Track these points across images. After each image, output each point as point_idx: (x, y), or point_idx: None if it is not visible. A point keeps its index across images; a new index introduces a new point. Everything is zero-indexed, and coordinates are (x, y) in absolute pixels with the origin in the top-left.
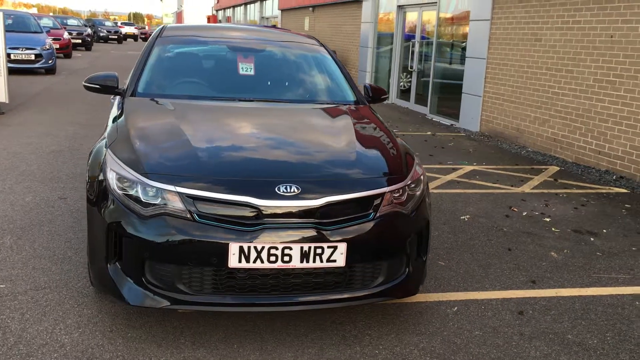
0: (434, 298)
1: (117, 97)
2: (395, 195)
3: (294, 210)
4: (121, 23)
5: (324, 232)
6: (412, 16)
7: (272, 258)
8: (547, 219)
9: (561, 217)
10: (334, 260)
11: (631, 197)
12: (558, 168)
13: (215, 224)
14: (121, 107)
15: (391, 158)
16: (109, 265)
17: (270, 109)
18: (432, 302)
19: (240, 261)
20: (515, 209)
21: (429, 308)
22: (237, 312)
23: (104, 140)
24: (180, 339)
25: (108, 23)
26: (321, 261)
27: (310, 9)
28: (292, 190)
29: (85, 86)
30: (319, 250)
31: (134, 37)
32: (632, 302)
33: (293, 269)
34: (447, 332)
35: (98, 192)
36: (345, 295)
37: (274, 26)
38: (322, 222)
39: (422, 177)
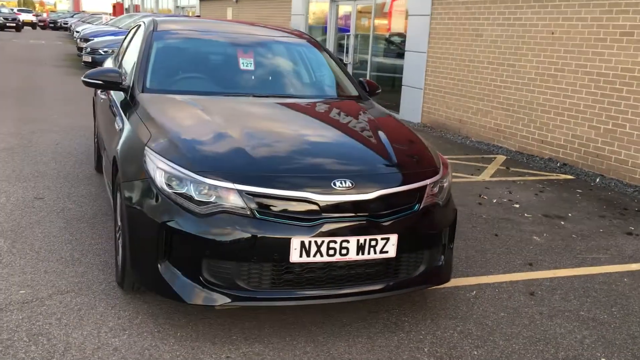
0: (451, 284)
1: (113, 93)
2: (432, 187)
3: (349, 204)
4: (17, 10)
5: (377, 225)
6: (345, 9)
7: (331, 252)
8: (517, 205)
9: (527, 203)
10: (386, 252)
11: (579, 183)
12: (505, 157)
13: (276, 220)
14: (136, 104)
15: (424, 152)
16: (160, 266)
17: (292, 104)
18: (451, 287)
19: (301, 256)
20: (485, 197)
21: (450, 293)
22: (277, 306)
23: (132, 139)
24: (231, 335)
25: (4, 10)
26: (375, 252)
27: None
28: (347, 184)
29: (85, 82)
30: (373, 242)
31: (32, 24)
32: (620, 279)
33: (348, 262)
34: (476, 315)
35: (141, 193)
36: (394, 284)
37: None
38: (375, 214)
39: (449, 169)
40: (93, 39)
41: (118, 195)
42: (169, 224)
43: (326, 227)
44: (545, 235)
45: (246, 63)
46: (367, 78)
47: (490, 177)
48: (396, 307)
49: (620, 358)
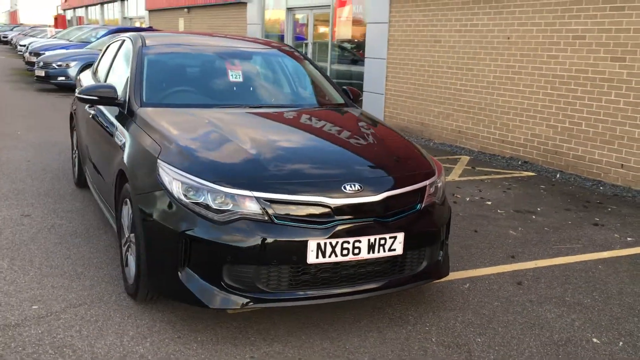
0: (445, 278)
1: (105, 108)
2: (430, 187)
3: (359, 206)
4: None
5: (385, 224)
6: (302, 19)
7: (345, 252)
8: (489, 203)
9: (498, 200)
10: (394, 249)
11: (541, 179)
12: (469, 157)
13: (293, 224)
14: (136, 118)
15: (419, 154)
16: (180, 273)
17: (288, 114)
18: (445, 281)
19: (317, 257)
20: (458, 196)
21: (445, 287)
22: (289, 307)
23: (141, 153)
24: (249, 337)
25: None
26: (384, 251)
27: (186, 9)
28: (356, 187)
29: (80, 98)
30: (382, 241)
31: None
32: (595, 267)
33: (359, 261)
34: (472, 305)
35: (158, 204)
36: (400, 280)
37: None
38: (382, 215)
39: (442, 170)
40: (44, 53)
41: (126, 207)
42: (188, 232)
43: (339, 229)
44: (521, 229)
45: (236, 75)
46: None
47: (459, 177)
48: (398, 302)
49: (609, 337)
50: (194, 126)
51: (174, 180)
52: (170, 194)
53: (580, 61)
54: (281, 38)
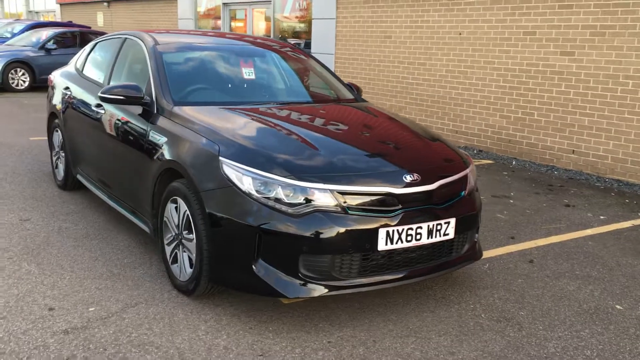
0: None
1: (119, 109)
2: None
3: (419, 194)
4: None
5: (440, 211)
6: (240, 14)
7: (409, 238)
8: None
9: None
10: (448, 234)
11: (500, 166)
12: None
13: (364, 214)
14: (174, 116)
15: (451, 146)
16: (254, 267)
17: (318, 108)
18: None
19: (386, 244)
20: None
21: (468, 269)
22: (349, 294)
23: (196, 150)
24: (317, 324)
25: None
26: (440, 235)
27: (105, 3)
28: (415, 177)
29: (104, 98)
30: (439, 227)
31: None
32: (586, 243)
33: (420, 246)
34: (500, 283)
35: (226, 200)
36: (449, 263)
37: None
38: (437, 202)
39: (471, 160)
40: None
41: (173, 205)
42: (263, 226)
43: (404, 217)
44: (506, 213)
45: (253, 72)
46: None
47: None
48: (435, 285)
49: (629, 303)
50: (242, 123)
51: (243, 176)
52: (239, 190)
53: (531, 55)
54: None
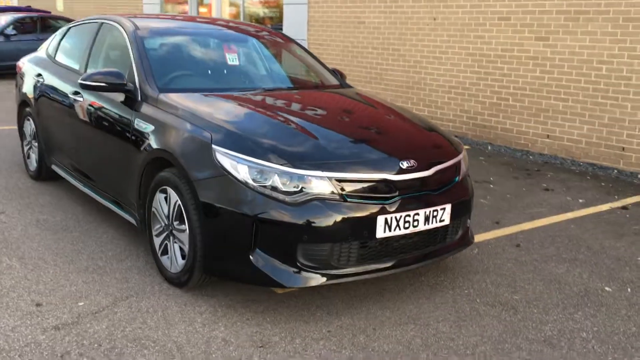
0: None
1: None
2: (463, 161)
3: (415, 181)
4: None
5: (436, 197)
6: None
7: (406, 225)
8: None
9: None
10: (443, 220)
11: (476, 151)
12: None
13: (362, 201)
14: (160, 103)
15: (443, 132)
16: (252, 257)
17: (306, 94)
18: None
19: (385, 231)
20: None
21: (459, 254)
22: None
23: (187, 139)
24: (314, 313)
25: None
26: (436, 222)
27: None
28: (411, 163)
29: (85, 85)
30: (435, 213)
31: None
32: (568, 227)
33: (417, 232)
34: (491, 268)
35: (221, 189)
36: (444, 248)
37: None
38: (432, 188)
39: (463, 146)
40: None
41: (162, 195)
42: (261, 216)
43: (401, 204)
44: (489, 198)
45: (236, 58)
46: None
47: None
48: (427, 271)
49: (617, 285)
50: (232, 110)
51: (238, 165)
52: (234, 179)
53: (506, 40)
54: None
